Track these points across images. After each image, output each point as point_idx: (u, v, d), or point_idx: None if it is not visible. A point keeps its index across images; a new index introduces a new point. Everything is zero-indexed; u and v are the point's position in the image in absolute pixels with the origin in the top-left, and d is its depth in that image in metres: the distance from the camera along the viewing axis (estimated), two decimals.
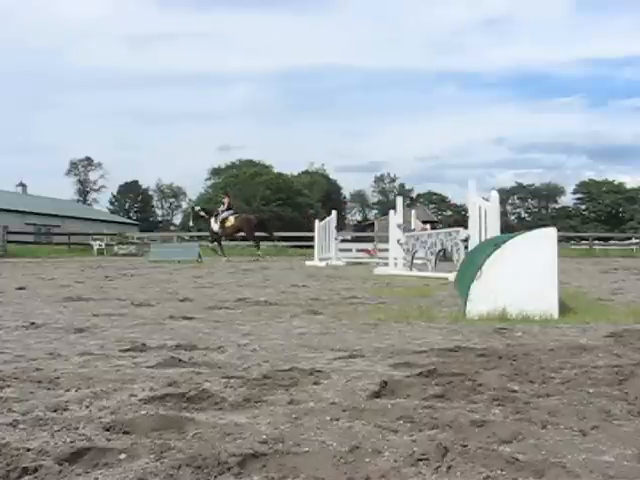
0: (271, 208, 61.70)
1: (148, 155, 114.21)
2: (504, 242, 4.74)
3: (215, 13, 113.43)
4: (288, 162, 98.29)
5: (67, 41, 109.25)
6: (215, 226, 18.44)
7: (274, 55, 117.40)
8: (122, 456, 1.61)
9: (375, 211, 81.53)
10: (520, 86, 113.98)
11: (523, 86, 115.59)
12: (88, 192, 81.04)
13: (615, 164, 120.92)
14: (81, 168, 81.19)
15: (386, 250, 14.59)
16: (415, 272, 11.05)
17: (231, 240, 21.50)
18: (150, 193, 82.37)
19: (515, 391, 2.29)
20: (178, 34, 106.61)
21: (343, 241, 20.90)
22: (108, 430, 1.82)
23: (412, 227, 15.33)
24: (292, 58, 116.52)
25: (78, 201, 74.46)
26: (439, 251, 10.71)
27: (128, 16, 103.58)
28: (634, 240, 37.04)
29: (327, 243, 17.60)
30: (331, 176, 75.45)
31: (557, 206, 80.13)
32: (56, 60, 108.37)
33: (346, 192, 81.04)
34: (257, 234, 20.08)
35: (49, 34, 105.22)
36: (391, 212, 13.16)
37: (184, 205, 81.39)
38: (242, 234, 19.49)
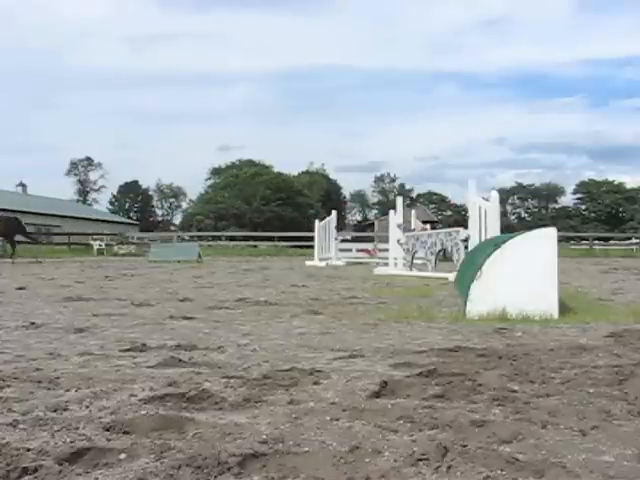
0: (271, 208, 61.69)
1: (148, 155, 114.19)
2: (504, 242, 4.74)
3: (215, 13, 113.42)
4: (288, 162, 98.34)
5: (67, 41, 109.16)
6: None
7: (274, 55, 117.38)
8: (122, 456, 1.61)
9: (375, 211, 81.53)
10: (520, 86, 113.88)
11: (523, 86, 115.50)
12: (88, 192, 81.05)
13: (616, 164, 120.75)
14: (81, 168, 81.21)
15: (386, 250, 14.60)
16: (415, 272, 11.05)
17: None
18: (150, 193, 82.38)
19: (515, 391, 2.28)
20: (178, 34, 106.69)
21: (343, 241, 20.91)
22: (108, 430, 1.82)
23: (412, 227, 15.33)
24: (292, 58, 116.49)
25: (78, 201, 74.45)
26: (439, 251, 10.71)
27: (128, 16, 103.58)
28: (634, 240, 37.07)
29: (327, 243, 17.61)
30: (331, 176, 75.53)
31: (557, 206, 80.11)
32: (56, 60, 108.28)
33: (346, 192, 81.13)
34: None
35: (49, 34, 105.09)
36: (391, 212, 13.16)
37: (184, 205, 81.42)
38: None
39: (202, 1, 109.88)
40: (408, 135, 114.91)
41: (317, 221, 19.24)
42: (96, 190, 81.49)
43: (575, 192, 77.10)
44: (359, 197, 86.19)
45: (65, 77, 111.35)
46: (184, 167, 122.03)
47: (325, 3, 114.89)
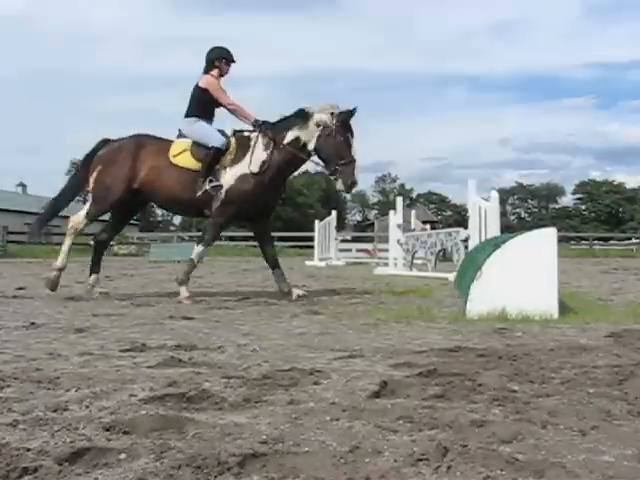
0: None
1: None
2: (504, 242, 4.73)
3: (227, 16, 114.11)
4: None
5: (73, 44, 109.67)
6: None
7: (285, 58, 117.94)
8: (122, 456, 1.61)
9: (375, 211, 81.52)
10: (527, 88, 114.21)
11: (530, 88, 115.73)
12: (88, 192, 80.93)
13: (621, 165, 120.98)
14: None
15: (386, 250, 14.59)
16: (415, 272, 11.05)
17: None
18: None
19: (515, 391, 2.28)
20: (189, 37, 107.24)
21: (343, 241, 20.92)
22: (108, 430, 1.82)
23: (412, 227, 15.33)
24: (303, 60, 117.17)
25: (78, 201, 74.40)
26: (439, 251, 10.71)
27: (134, 19, 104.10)
28: (634, 240, 37.10)
29: (327, 243, 17.60)
30: None
31: (557, 206, 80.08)
32: (58, 61, 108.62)
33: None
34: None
35: (55, 36, 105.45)
36: (391, 212, 13.15)
37: None
38: None
39: (214, 5, 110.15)
40: (414, 136, 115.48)
41: (317, 221, 19.24)
42: None
43: (575, 192, 77.13)
44: (359, 197, 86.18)
45: (66, 78, 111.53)
46: None
47: (336, 6, 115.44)
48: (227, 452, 1.61)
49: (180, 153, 6.27)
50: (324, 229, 17.95)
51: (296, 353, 3.13)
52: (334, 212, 18.05)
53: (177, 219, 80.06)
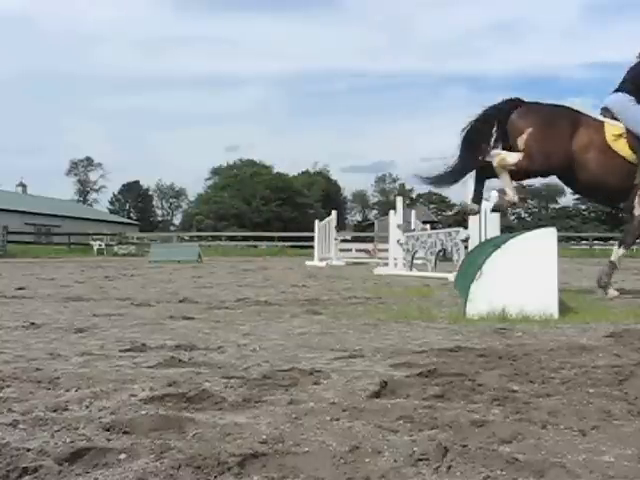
0: (271, 208, 61.70)
1: (153, 156, 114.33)
2: (504, 242, 4.73)
3: (227, 16, 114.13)
4: (297, 164, 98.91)
5: (73, 44, 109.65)
6: None
7: (285, 58, 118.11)
8: (122, 456, 1.61)
9: (375, 211, 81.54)
10: (527, 88, 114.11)
11: (530, 88, 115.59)
12: (88, 192, 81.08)
13: None
14: (81, 168, 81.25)
15: (386, 250, 14.59)
16: (415, 272, 11.05)
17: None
18: (150, 193, 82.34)
19: (515, 391, 2.28)
20: (187, 38, 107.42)
21: (343, 241, 20.94)
22: (108, 430, 1.82)
23: (412, 227, 15.33)
24: (303, 60, 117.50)
25: (78, 201, 74.52)
26: (439, 251, 10.71)
27: (134, 19, 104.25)
28: None
29: (327, 243, 17.61)
30: (338, 177, 75.94)
31: (557, 206, 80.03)
32: (58, 62, 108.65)
33: (348, 193, 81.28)
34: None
35: (53, 36, 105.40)
36: (391, 212, 13.16)
37: (184, 205, 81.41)
38: None
39: (213, 6, 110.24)
40: (414, 136, 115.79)
41: (317, 221, 19.25)
42: (96, 190, 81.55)
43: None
44: (360, 197, 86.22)
45: (66, 78, 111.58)
46: (189, 168, 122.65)
47: (336, 6, 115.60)
48: (227, 452, 1.61)
49: (618, 137, 5.92)
50: (324, 229, 17.97)
51: (296, 353, 3.13)
52: (334, 212, 18.06)
53: (177, 219, 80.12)
